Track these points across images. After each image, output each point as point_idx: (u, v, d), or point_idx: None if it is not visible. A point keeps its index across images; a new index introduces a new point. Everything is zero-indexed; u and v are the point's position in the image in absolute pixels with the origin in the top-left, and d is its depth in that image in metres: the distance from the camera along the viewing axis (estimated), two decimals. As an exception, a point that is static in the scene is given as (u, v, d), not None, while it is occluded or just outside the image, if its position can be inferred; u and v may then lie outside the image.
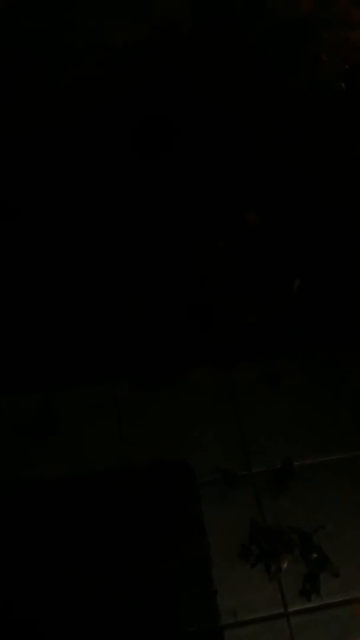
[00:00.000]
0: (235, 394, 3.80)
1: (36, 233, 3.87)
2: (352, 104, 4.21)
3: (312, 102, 4.13)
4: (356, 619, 3.32)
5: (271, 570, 3.40)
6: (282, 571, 3.40)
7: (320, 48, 4.26)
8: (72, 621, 3.23)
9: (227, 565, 3.39)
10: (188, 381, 3.83)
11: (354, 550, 3.46)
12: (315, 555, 3.44)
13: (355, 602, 3.37)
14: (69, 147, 3.99)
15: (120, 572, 3.33)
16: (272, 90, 4.13)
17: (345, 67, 4.22)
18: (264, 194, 4.12)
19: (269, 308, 3.97)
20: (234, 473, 3.59)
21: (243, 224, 4.10)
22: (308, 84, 4.17)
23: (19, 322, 3.81)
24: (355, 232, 4.05)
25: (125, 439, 3.66)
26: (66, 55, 4.05)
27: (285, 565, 3.42)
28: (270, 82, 4.13)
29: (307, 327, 3.94)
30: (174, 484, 3.55)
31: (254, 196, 4.11)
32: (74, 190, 3.99)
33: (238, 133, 4.09)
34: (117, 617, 3.24)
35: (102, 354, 3.84)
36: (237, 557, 3.41)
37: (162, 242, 3.92)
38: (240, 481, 3.58)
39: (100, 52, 4.06)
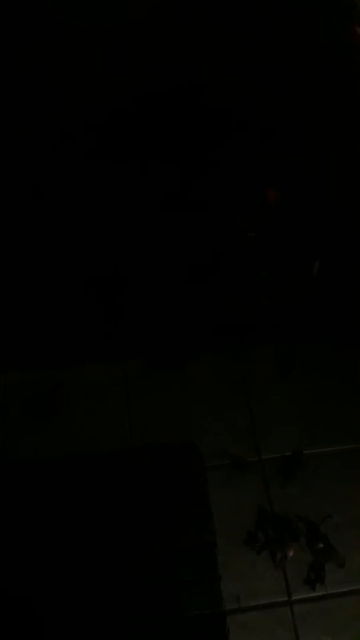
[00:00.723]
0: (247, 379, 3.77)
1: (49, 212, 3.83)
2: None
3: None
4: (360, 610, 3.31)
5: (276, 557, 3.37)
6: (287, 559, 3.37)
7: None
8: (75, 602, 3.21)
9: (233, 551, 3.36)
10: (199, 364, 3.80)
11: (361, 541, 3.45)
12: (321, 545, 3.41)
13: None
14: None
15: (124, 554, 3.30)
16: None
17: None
18: (285, 172, 4.05)
19: (286, 291, 3.93)
20: (242, 458, 3.56)
21: (265, 200, 4.03)
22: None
23: (30, 299, 3.78)
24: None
25: (134, 420, 3.63)
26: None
27: (291, 553, 3.39)
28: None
29: (325, 313, 3.90)
30: (182, 467, 3.51)
31: (274, 174, 4.04)
32: (88, 169, 3.94)
33: (257, 112, 4.01)
34: (120, 600, 3.22)
35: (114, 332, 3.81)
36: (242, 544, 3.39)
37: (177, 221, 3.87)
38: (248, 467, 3.54)
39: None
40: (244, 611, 3.26)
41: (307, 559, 3.38)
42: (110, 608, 3.20)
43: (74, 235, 3.89)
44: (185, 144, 3.95)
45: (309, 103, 3.87)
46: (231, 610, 3.25)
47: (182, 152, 3.95)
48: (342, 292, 3.88)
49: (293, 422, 3.66)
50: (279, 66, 3.82)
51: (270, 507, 3.47)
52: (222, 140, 4.00)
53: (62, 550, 3.30)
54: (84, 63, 3.82)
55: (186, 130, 3.93)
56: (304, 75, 3.83)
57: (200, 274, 3.90)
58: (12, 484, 3.42)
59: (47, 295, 3.79)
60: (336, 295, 3.89)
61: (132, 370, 3.76)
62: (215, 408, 3.68)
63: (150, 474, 3.48)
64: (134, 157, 3.87)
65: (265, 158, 4.03)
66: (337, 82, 3.77)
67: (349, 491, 3.53)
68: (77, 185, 3.83)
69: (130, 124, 3.87)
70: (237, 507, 3.45)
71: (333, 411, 3.70)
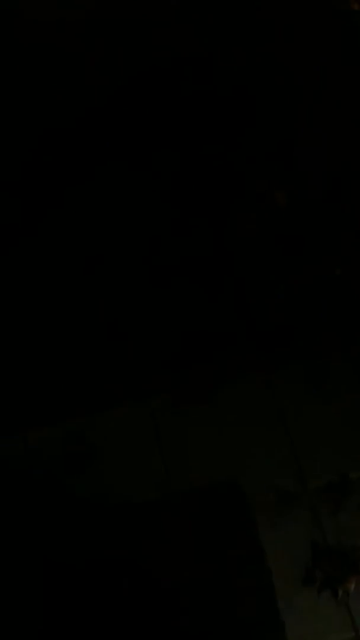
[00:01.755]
0: (280, 403, 3.56)
1: (62, 239, 3.60)
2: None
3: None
4: None
5: (338, 594, 3.19)
6: (349, 594, 3.19)
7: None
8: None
9: (292, 592, 3.18)
10: (228, 394, 3.59)
11: None
12: (383, 573, 3.24)
13: None
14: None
15: (175, 609, 3.11)
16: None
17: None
18: (298, 174, 3.83)
19: (307, 302, 3.72)
20: (288, 491, 3.36)
21: (273, 203, 3.82)
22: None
23: (42, 345, 3.55)
24: None
25: (168, 462, 3.42)
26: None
27: (352, 587, 3.20)
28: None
29: (350, 322, 3.70)
30: (226, 509, 3.31)
31: (284, 174, 3.82)
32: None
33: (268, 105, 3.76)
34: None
35: (134, 369, 3.59)
36: (300, 583, 3.21)
37: (192, 236, 3.65)
38: (295, 499, 3.35)
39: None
40: (312, 657, 3.09)
41: (371, 590, 3.21)
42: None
43: (84, 263, 3.68)
44: (189, 136, 3.71)
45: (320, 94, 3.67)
46: (300, 658, 3.08)
47: (185, 146, 3.73)
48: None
49: (335, 443, 3.46)
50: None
51: (324, 540, 3.27)
52: (229, 134, 3.76)
53: (109, 607, 3.12)
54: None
55: (190, 120, 3.70)
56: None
57: (218, 291, 3.70)
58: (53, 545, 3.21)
59: (59, 338, 3.57)
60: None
61: (158, 409, 3.55)
62: (251, 439, 3.47)
63: (193, 521, 3.27)
64: (137, 155, 3.65)
65: (275, 156, 3.82)
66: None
67: None
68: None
69: (131, 111, 3.62)
70: (289, 543, 3.26)
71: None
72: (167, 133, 3.58)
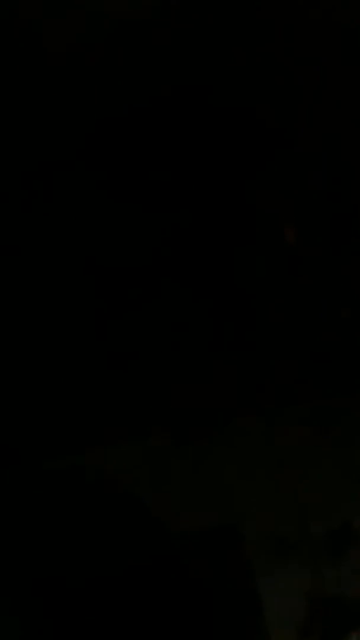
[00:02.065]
0: (283, 445, 3.44)
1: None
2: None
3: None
4: None
5: (338, 650, 3.06)
6: (349, 650, 3.06)
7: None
8: None
9: (288, 646, 3.05)
10: (230, 433, 3.46)
11: None
12: (385, 628, 3.10)
13: None
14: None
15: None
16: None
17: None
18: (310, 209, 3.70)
19: (312, 340, 3.60)
20: (288, 539, 3.23)
21: (282, 240, 3.69)
22: None
23: (31, 375, 3.43)
24: None
25: (162, 504, 3.29)
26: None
27: (353, 642, 3.08)
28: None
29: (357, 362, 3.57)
30: (222, 554, 3.19)
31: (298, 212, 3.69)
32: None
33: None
34: None
35: (129, 404, 3.46)
36: (297, 636, 3.07)
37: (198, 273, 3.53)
38: (295, 547, 3.22)
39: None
40: None
41: (372, 646, 3.07)
42: None
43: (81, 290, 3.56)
44: (189, 164, 3.59)
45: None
46: None
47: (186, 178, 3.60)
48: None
49: (339, 490, 3.33)
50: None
51: (324, 592, 3.15)
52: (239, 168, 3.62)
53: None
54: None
55: (188, 146, 3.57)
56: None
57: (222, 328, 3.57)
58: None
59: (53, 372, 3.45)
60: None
61: (154, 448, 3.42)
62: (252, 482, 3.34)
63: (187, 567, 3.15)
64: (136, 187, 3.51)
65: (286, 191, 3.68)
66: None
67: None
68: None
69: (128, 140, 3.50)
70: (288, 594, 3.12)
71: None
72: (167, 166, 3.46)
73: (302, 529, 3.24)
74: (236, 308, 3.63)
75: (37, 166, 3.39)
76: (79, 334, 3.46)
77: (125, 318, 3.44)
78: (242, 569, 3.14)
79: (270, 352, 3.55)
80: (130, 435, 3.41)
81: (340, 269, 3.61)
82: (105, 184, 3.36)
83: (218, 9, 3.28)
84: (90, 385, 3.45)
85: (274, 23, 3.38)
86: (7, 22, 3.23)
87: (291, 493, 3.32)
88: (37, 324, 3.46)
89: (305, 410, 3.48)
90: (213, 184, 3.57)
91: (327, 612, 3.09)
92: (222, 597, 3.09)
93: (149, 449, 3.42)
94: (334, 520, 3.26)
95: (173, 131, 3.40)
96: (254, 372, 3.52)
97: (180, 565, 3.11)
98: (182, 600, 3.07)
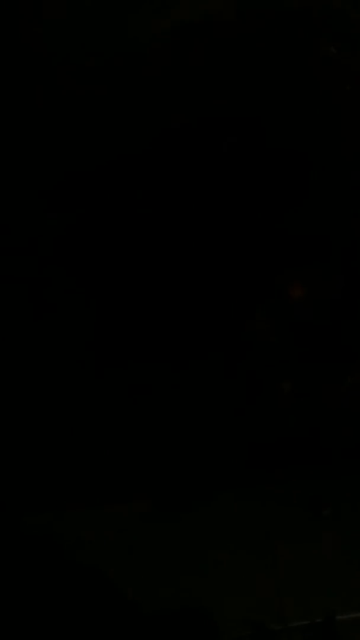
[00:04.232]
0: (269, 523, 3.22)
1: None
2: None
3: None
4: None
5: None
6: None
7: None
8: None
9: None
10: (214, 505, 3.25)
11: None
12: None
13: None
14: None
15: None
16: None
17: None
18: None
19: (313, 412, 3.41)
20: (266, 628, 3.00)
21: (289, 296, 3.52)
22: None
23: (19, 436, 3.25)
24: None
25: (136, 578, 3.07)
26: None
27: None
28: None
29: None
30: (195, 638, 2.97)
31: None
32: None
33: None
34: None
35: (112, 470, 3.26)
36: None
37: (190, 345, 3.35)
38: (273, 637, 3.00)
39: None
40: None
41: None
42: None
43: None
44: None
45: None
46: None
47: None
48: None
49: (325, 579, 3.11)
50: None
51: None
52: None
53: None
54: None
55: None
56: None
57: (211, 390, 3.39)
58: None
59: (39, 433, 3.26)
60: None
61: (133, 514, 3.21)
62: (232, 562, 3.12)
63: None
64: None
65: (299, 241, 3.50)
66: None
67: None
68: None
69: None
70: None
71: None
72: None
73: (282, 619, 3.02)
74: (234, 371, 3.46)
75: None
76: (70, 393, 3.30)
77: (116, 378, 3.28)
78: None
79: (264, 426, 3.37)
80: (110, 501, 3.21)
81: (344, 334, 3.45)
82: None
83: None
84: (78, 447, 3.27)
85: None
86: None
87: (273, 578, 3.10)
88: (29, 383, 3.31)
89: (296, 490, 3.28)
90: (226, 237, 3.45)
91: None
92: None
93: (129, 514, 3.22)
94: (316, 611, 3.04)
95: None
96: (245, 446, 3.33)
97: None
98: None
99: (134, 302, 3.34)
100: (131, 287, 3.31)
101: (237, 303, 3.38)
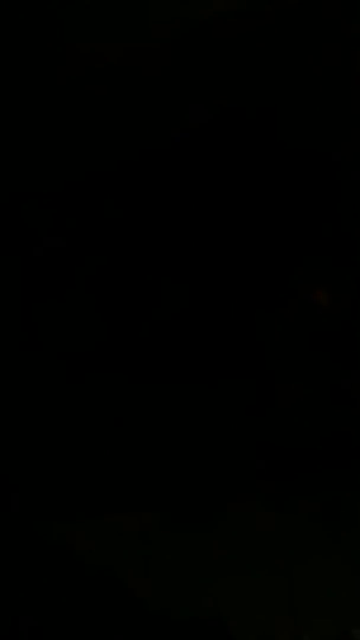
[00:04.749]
0: (286, 535, 3.18)
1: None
2: None
3: None
4: None
5: None
6: None
7: None
8: None
9: None
10: (230, 515, 3.22)
11: None
12: None
13: None
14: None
15: None
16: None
17: None
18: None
19: (331, 419, 3.32)
20: (279, 641, 3.00)
21: (311, 301, 3.40)
22: None
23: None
24: None
25: (149, 590, 3.07)
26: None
27: None
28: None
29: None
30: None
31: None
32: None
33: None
34: None
35: (127, 479, 3.24)
36: None
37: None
38: (286, 652, 2.99)
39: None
40: None
41: None
42: None
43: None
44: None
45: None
46: None
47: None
48: None
49: (338, 592, 3.06)
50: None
51: None
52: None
53: None
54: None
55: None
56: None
57: (226, 397, 3.32)
58: None
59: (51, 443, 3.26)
60: None
61: (147, 524, 3.21)
62: (247, 573, 3.09)
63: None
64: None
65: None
66: None
67: None
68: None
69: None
70: None
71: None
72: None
73: (296, 634, 3.01)
74: (251, 379, 3.38)
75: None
76: (85, 401, 3.28)
77: (126, 395, 3.24)
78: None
79: (281, 436, 3.30)
80: (124, 510, 3.21)
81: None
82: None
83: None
84: (92, 455, 3.26)
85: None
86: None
87: (287, 592, 3.07)
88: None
89: (313, 503, 3.22)
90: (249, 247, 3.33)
91: None
92: None
93: (144, 524, 3.22)
94: (330, 626, 3.01)
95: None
96: (261, 457, 3.27)
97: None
98: None
99: (147, 308, 3.27)
100: (142, 295, 3.24)
101: (251, 309, 3.28)
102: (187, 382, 3.21)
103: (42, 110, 3.29)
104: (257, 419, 3.26)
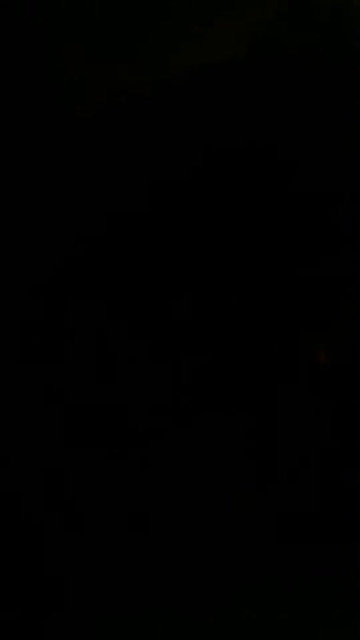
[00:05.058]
0: (302, 622, 2.90)
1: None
2: None
3: None
4: None
5: None
6: None
7: None
8: None
9: None
10: (247, 598, 2.91)
11: None
12: None
13: None
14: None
15: None
16: None
17: None
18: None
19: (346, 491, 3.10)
20: None
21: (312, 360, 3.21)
22: None
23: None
24: None
25: None
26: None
27: None
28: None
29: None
30: None
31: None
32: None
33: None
34: None
35: (128, 572, 2.95)
36: None
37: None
38: None
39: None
40: None
41: None
42: None
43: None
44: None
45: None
46: None
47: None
48: None
49: None
50: None
51: None
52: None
53: None
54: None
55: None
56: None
57: (237, 469, 3.07)
58: None
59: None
60: None
61: (155, 621, 2.90)
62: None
63: None
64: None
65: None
66: None
67: None
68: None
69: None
70: None
71: None
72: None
73: None
74: (260, 441, 3.15)
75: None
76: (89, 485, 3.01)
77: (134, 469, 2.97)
78: None
79: (294, 506, 3.05)
80: (127, 607, 2.90)
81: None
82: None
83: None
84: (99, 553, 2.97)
85: None
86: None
87: None
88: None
89: (335, 584, 2.95)
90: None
91: None
92: None
93: (147, 624, 2.90)
94: None
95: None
96: (275, 532, 3.01)
97: None
98: None
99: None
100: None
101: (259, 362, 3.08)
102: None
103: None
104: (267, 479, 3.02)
